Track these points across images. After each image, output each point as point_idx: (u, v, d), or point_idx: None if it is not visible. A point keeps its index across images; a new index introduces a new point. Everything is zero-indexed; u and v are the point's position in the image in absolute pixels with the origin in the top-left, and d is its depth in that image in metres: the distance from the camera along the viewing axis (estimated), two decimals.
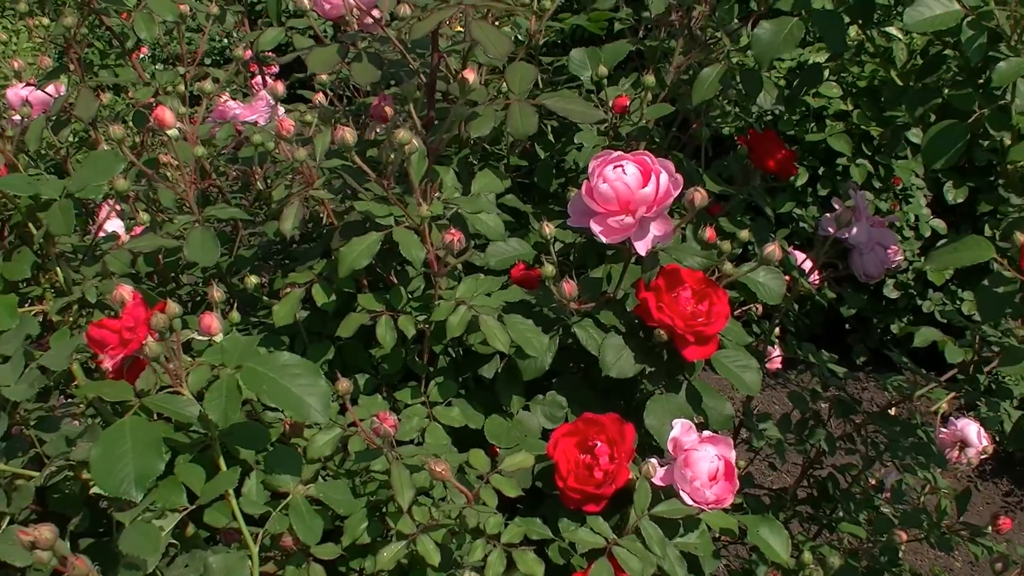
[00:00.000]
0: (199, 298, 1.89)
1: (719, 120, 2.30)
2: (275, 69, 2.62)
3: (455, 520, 1.32)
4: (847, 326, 4.67)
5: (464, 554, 1.31)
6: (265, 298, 1.67)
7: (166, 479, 1.21)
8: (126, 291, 1.26)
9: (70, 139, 1.96)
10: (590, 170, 1.41)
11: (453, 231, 1.43)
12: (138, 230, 1.84)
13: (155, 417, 1.21)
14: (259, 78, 2.46)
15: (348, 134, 1.38)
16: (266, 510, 1.29)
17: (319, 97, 1.86)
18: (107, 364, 1.23)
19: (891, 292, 4.44)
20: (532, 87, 1.55)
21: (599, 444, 1.41)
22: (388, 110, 1.65)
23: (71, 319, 1.53)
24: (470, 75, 1.45)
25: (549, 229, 1.50)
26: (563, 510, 1.42)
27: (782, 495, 2.12)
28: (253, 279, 1.62)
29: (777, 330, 2.04)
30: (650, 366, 1.51)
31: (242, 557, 1.24)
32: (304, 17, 1.82)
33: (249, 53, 2.07)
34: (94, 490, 1.25)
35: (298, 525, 1.26)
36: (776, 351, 2.21)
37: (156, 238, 1.58)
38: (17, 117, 1.84)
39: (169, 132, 1.56)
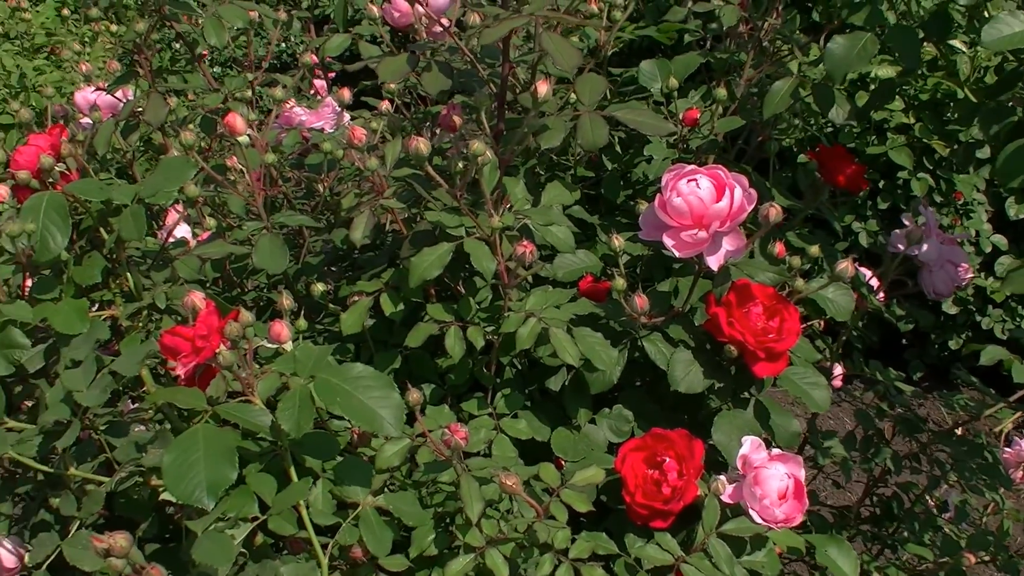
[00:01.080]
0: (263, 303, 1.89)
1: (784, 132, 2.28)
2: (333, 74, 2.64)
3: (523, 534, 1.31)
4: (903, 341, 4.61)
5: (531, 567, 1.31)
6: (331, 305, 1.67)
7: (237, 488, 1.20)
8: (198, 298, 1.26)
9: (138, 143, 1.96)
10: (663, 183, 1.40)
11: (526, 243, 1.42)
12: (204, 235, 1.84)
13: (221, 425, 1.21)
14: (320, 81, 2.47)
15: (422, 144, 1.37)
16: (334, 520, 1.28)
17: (385, 104, 1.86)
18: (179, 371, 1.23)
19: (950, 308, 4.37)
20: (601, 98, 1.55)
21: (667, 460, 1.39)
22: (456, 119, 1.65)
23: (140, 324, 1.53)
24: (543, 87, 1.44)
25: (619, 242, 1.48)
26: (629, 525, 1.41)
27: (845, 513, 2.10)
28: (320, 286, 1.62)
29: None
30: (718, 382, 1.49)
31: (312, 568, 1.24)
32: (364, 23, 1.82)
33: (315, 59, 2.07)
34: (164, 496, 1.25)
35: (368, 537, 1.25)
36: (838, 368, 2.18)
37: (225, 244, 1.58)
38: (86, 121, 1.85)
39: (239, 139, 1.56)
